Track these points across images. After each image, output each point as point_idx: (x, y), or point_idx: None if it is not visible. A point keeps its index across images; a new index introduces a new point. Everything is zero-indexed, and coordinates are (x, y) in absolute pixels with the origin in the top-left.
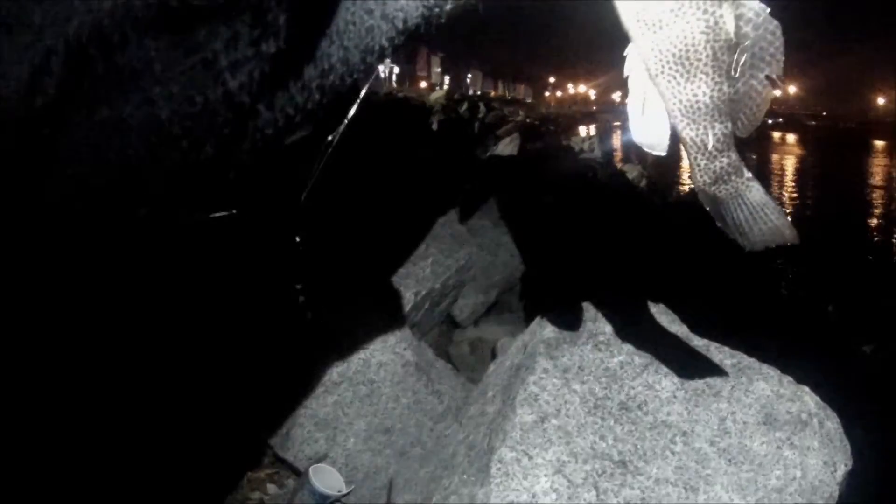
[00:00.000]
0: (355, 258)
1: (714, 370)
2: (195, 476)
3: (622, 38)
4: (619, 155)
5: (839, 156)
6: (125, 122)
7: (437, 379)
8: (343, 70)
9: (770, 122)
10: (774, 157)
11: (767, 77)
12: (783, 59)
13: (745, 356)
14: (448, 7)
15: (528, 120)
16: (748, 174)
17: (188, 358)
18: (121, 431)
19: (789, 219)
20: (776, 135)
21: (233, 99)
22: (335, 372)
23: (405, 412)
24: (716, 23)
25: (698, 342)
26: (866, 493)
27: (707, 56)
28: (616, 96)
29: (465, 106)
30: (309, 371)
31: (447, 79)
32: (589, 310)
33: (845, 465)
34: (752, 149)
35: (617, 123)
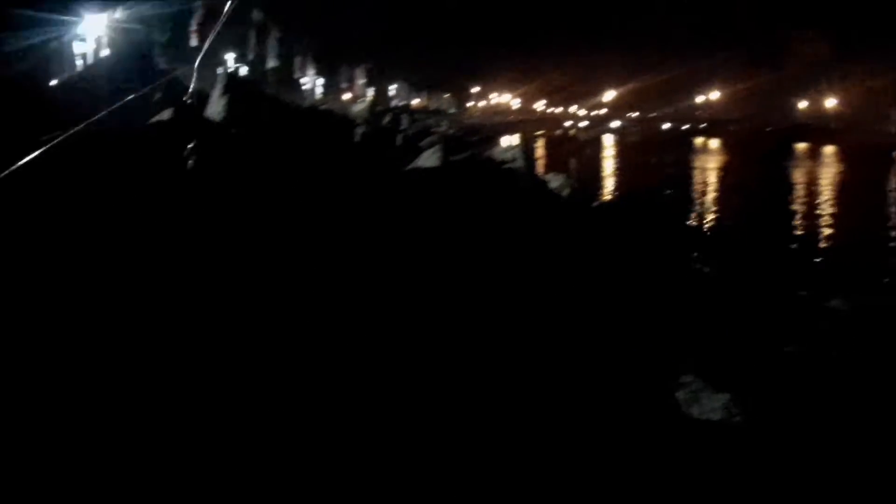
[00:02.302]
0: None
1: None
2: None
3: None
4: (543, 164)
5: (761, 159)
6: None
7: None
8: None
9: (691, 127)
10: (696, 164)
11: None
12: None
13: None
14: None
15: (451, 131)
16: None
17: None
18: None
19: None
20: (700, 140)
21: None
22: None
23: None
24: None
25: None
26: None
27: None
28: (539, 105)
29: (388, 118)
30: None
31: (371, 90)
32: None
33: None
34: (674, 154)
35: (541, 133)
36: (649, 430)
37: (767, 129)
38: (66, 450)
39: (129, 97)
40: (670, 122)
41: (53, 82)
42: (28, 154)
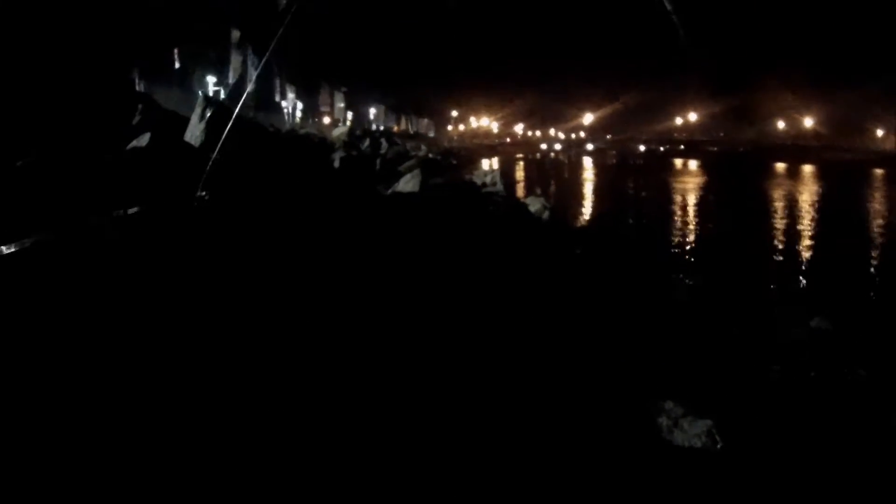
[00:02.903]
0: None
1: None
2: None
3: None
4: (522, 187)
5: (740, 179)
6: None
7: None
8: None
9: (669, 148)
10: (675, 185)
11: None
12: None
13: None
14: None
15: (430, 155)
16: None
17: None
18: None
19: None
20: (678, 161)
21: None
22: None
23: None
24: None
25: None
26: None
27: None
28: (518, 128)
29: (367, 142)
30: None
31: (350, 114)
32: None
33: None
34: (653, 176)
35: (519, 156)
36: (630, 457)
37: (746, 150)
38: (67, 449)
39: (106, 122)
40: (648, 143)
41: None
42: None
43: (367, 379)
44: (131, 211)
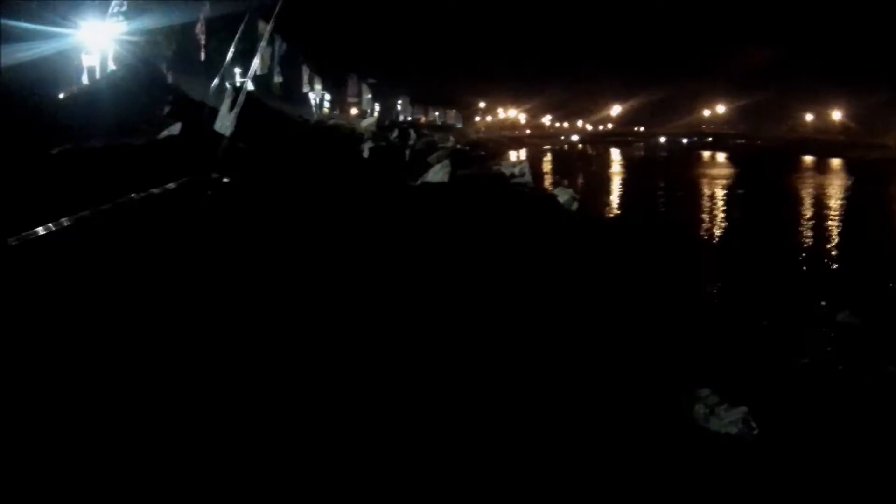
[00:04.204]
0: None
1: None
2: None
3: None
4: (550, 178)
5: (767, 172)
6: None
7: None
8: None
9: (696, 141)
10: (703, 177)
11: None
12: None
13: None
14: None
15: (458, 146)
16: None
17: None
18: None
19: None
20: (706, 154)
21: None
22: None
23: None
24: None
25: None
26: None
27: None
28: (545, 120)
29: (395, 133)
30: None
31: (377, 105)
32: None
33: None
34: (681, 168)
35: (547, 147)
36: (668, 442)
37: (772, 143)
38: (67, 448)
39: (139, 111)
40: (676, 135)
41: (61, 95)
42: (35, 165)
43: (412, 356)
44: (156, 191)
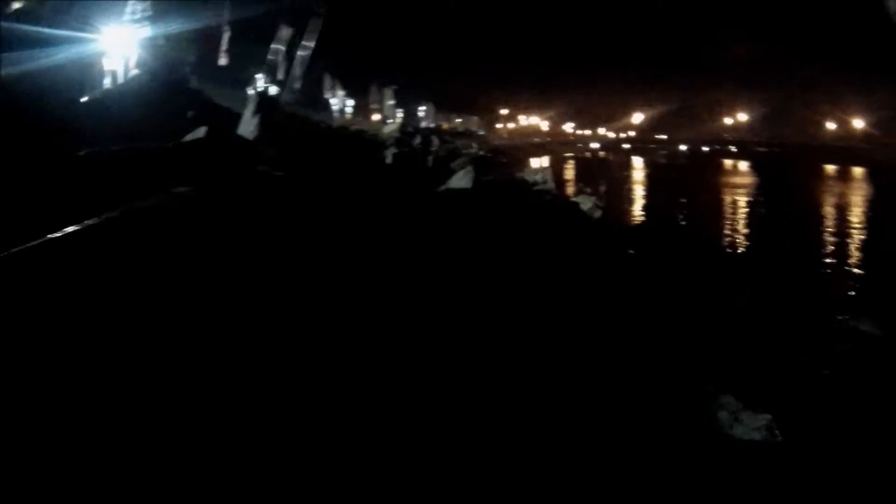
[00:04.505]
0: None
1: None
2: None
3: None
4: (572, 186)
5: (790, 181)
6: None
7: None
8: None
9: (718, 149)
10: (726, 186)
11: None
12: None
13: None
14: None
15: (480, 152)
16: None
17: None
18: None
19: None
20: (727, 162)
21: None
22: None
23: None
24: None
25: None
26: None
27: None
28: (567, 127)
29: (418, 139)
30: None
31: (400, 111)
32: None
33: None
34: (703, 176)
35: (569, 154)
36: (694, 447)
37: (795, 150)
38: (68, 448)
39: (161, 114)
40: (698, 144)
41: (84, 99)
42: (58, 168)
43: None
44: (183, 189)
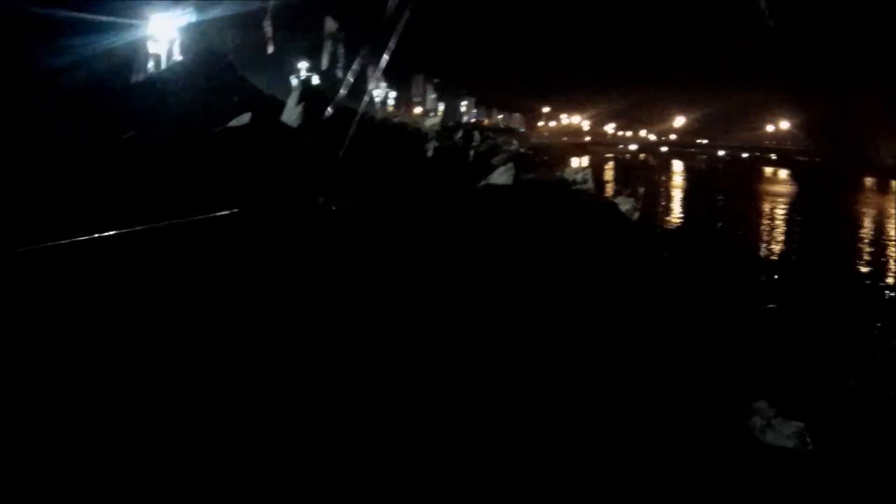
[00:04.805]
0: None
1: None
2: None
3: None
4: (612, 186)
5: (829, 191)
6: None
7: None
8: None
9: (758, 156)
10: (765, 193)
11: None
12: None
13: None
14: None
15: (521, 150)
16: None
17: None
18: None
19: None
20: (768, 170)
21: None
22: None
23: None
24: None
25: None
26: None
27: None
28: (608, 128)
29: (459, 134)
30: None
31: (441, 105)
32: None
33: None
34: (743, 183)
35: (609, 155)
36: (725, 451)
37: (835, 161)
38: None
39: (204, 100)
40: (739, 150)
41: (129, 84)
42: (106, 152)
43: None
44: (235, 211)
